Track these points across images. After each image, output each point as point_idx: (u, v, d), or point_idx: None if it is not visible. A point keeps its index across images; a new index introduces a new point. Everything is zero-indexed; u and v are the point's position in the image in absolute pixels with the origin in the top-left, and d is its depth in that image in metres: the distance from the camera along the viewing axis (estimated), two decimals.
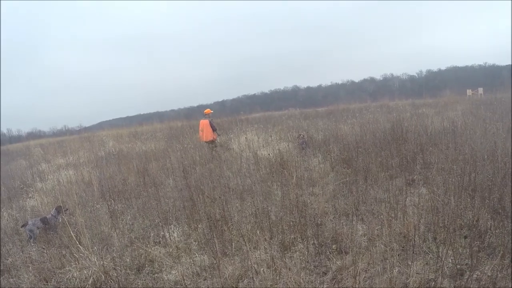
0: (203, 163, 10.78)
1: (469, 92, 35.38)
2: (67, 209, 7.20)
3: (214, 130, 12.56)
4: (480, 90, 35.44)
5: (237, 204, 6.81)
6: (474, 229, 4.71)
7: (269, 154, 9.80)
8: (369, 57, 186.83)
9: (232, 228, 5.76)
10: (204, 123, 12.65)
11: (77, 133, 38.49)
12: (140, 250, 5.50)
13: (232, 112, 37.04)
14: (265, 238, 5.19)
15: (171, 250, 5.50)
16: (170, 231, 5.97)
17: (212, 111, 13.30)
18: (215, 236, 5.25)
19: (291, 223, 5.48)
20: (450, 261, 4.15)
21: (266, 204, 6.23)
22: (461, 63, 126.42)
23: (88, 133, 33.09)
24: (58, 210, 7.08)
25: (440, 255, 4.04)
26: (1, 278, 5.45)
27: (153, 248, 5.56)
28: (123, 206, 7.80)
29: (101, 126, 49.60)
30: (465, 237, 4.49)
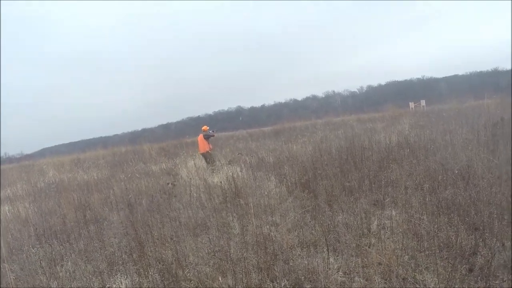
0: (150, 194, 10.28)
1: (411, 104, 37.22)
2: None
3: (207, 140, 13.90)
4: (423, 102, 37.37)
5: (191, 242, 6.37)
6: (455, 250, 4.61)
7: (220, 182, 9.44)
8: (310, 76, 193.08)
9: (188, 273, 5.32)
10: (199, 137, 14.22)
11: (17, 161, 37.87)
12: None
13: (177, 135, 37.02)
14: (228, 285, 4.80)
15: None
16: (117, 281, 5.41)
17: (208, 128, 14.43)
18: (168, 284, 4.82)
19: (255, 261, 5.13)
20: None
21: (224, 240, 5.86)
22: (400, 78, 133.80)
23: (29, 161, 32.16)
24: None
25: (426, 284, 3.89)
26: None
27: None
28: (63, 249, 7.08)
29: (43, 153, 49.57)
30: (470, 271, 4.34)
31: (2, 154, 50.21)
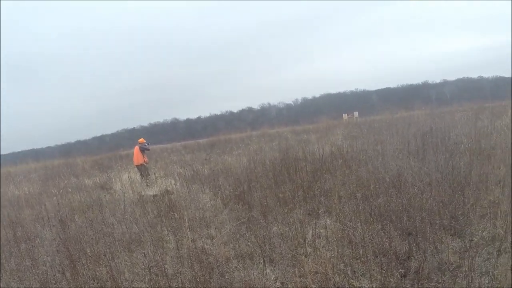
0: (83, 210, 9.92)
1: (345, 116, 38.58)
2: None
3: (142, 152, 13.90)
4: (356, 113, 38.88)
5: (126, 258, 6.13)
6: (389, 255, 4.73)
7: (154, 196, 9.22)
8: (246, 88, 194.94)
9: None
10: (135, 149, 14.10)
11: None
12: None
13: (112, 148, 36.23)
14: None
15: None
16: None
17: (145, 141, 14.31)
18: None
19: (191, 276, 5.01)
20: None
21: (159, 255, 5.68)
22: (334, 90, 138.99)
23: None
24: None
25: None
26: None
27: None
28: None
29: None
30: (404, 276, 4.44)
31: None
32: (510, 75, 63.08)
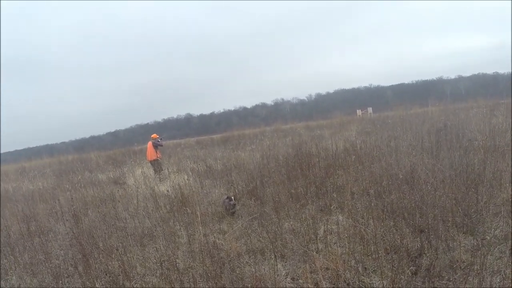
0: (96, 204, 10.11)
1: (359, 112, 38.32)
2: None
3: (155, 148, 14.03)
4: (370, 109, 38.60)
5: (138, 252, 6.23)
6: (401, 252, 4.73)
7: (167, 191, 9.28)
8: (260, 84, 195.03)
9: (135, 284, 5.17)
10: (148, 145, 14.30)
11: None
12: None
13: (126, 143, 36.66)
14: None
15: None
16: None
17: (158, 136, 14.48)
18: None
19: (203, 270, 5.06)
20: None
21: (171, 250, 5.74)
22: (348, 86, 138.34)
23: None
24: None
25: (375, 287, 3.95)
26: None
27: None
28: (7, 262, 6.71)
29: None
30: (415, 273, 4.44)
31: None
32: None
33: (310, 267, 4.85)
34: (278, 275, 4.77)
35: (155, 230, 7.14)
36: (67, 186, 13.14)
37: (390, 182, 6.97)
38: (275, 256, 5.19)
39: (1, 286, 5.33)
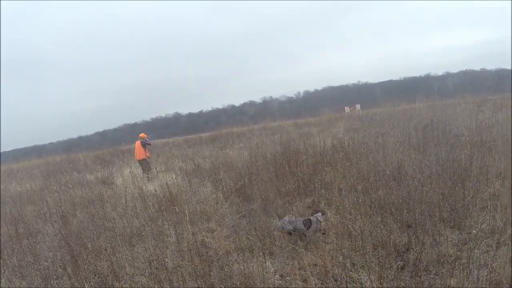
0: (84, 205, 10.04)
1: (347, 109, 38.51)
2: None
3: (144, 147, 13.93)
4: (358, 106, 38.79)
5: (127, 252, 6.19)
6: (389, 247, 4.75)
7: (155, 190, 9.24)
8: (248, 82, 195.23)
9: (124, 284, 5.13)
10: (136, 144, 14.15)
11: None
12: None
13: (114, 143, 36.56)
14: None
15: None
16: None
17: (146, 135, 14.33)
18: None
19: (192, 269, 5.04)
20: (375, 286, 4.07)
21: (160, 249, 5.71)
22: (336, 83, 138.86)
23: None
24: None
25: (363, 282, 3.96)
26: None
27: None
28: None
29: None
30: (402, 268, 4.45)
31: None
32: (511, 68, 62.85)
33: (298, 263, 4.85)
34: (266, 272, 4.76)
35: (143, 229, 7.12)
36: (55, 187, 13.02)
37: (377, 178, 7.00)
38: (264, 254, 5.18)
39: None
